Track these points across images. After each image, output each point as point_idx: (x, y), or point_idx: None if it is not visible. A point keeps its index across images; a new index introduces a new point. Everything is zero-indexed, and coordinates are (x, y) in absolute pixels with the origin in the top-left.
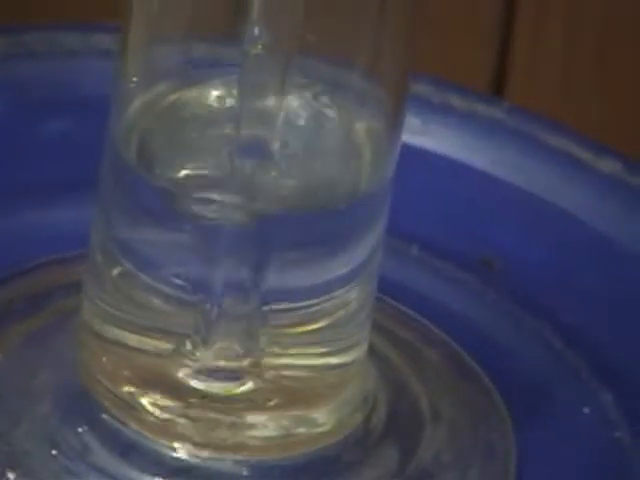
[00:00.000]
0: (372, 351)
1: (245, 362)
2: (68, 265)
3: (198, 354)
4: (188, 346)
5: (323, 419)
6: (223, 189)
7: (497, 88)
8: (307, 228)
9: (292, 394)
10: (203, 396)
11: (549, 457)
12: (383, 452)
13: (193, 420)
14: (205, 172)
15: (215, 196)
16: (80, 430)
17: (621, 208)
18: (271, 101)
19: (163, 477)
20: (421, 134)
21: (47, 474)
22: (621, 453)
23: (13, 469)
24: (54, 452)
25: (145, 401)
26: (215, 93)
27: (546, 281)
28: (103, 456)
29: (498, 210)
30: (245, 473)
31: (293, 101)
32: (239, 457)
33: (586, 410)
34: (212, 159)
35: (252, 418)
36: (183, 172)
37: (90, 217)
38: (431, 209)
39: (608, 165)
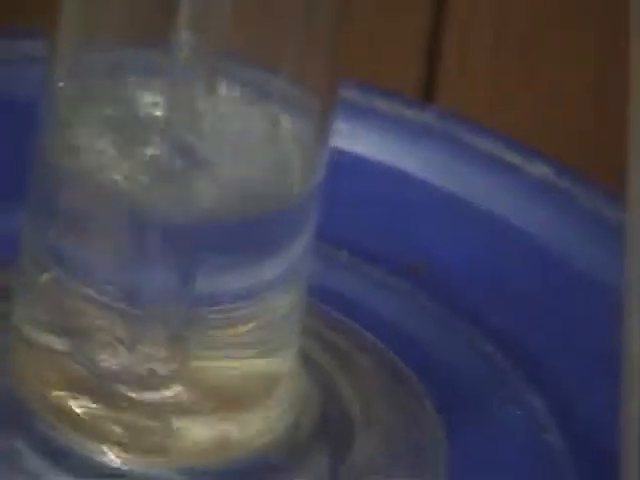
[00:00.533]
0: (302, 355)
1: (172, 366)
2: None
3: (125, 359)
4: (115, 351)
5: (253, 423)
6: (151, 193)
7: (427, 91)
8: (236, 234)
9: (221, 398)
10: (131, 401)
11: (480, 460)
12: (314, 456)
13: (123, 425)
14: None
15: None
16: (10, 435)
17: (550, 212)
18: (199, 106)
19: None
20: (349, 138)
21: None
22: (552, 455)
23: None
24: None
25: (75, 405)
26: (144, 98)
27: (476, 285)
28: (34, 461)
29: (427, 214)
30: (176, 478)
31: (221, 106)
32: (170, 462)
33: (517, 413)
34: (139, 164)
35: (181, 422)
36: (113, 175)
37: (20, 224)
38: (360, 214)
39: (537, 169)
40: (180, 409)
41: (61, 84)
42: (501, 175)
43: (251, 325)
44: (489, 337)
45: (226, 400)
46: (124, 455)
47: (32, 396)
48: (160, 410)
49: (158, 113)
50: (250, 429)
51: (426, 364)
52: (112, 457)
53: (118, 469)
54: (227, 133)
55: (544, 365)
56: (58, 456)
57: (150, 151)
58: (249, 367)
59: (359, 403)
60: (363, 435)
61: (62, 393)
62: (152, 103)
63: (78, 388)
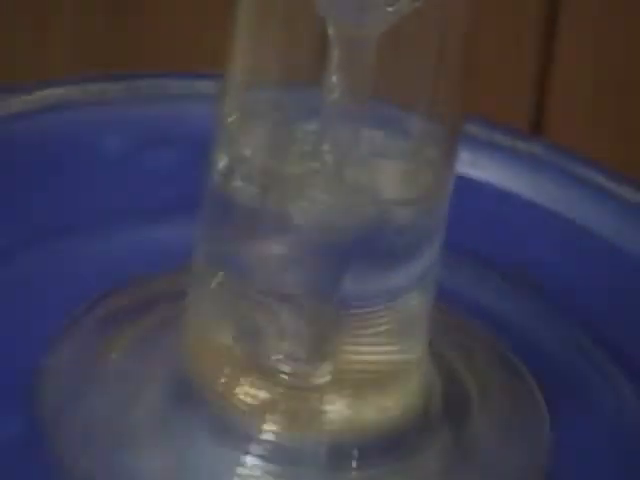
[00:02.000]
0: (430, 349)
1: (322, 356)
2: (174, 276)
3: (283, 349)
4: (275, 343)
5: (391, 405)
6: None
7: (536, 125)
8: (378, 244)
9: (362, 383)
10: (288, 385)
11: (579, 443)
12: (438, 433)
13: (280, 405)
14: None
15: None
16: (183, 413)
17: None
18: (348, 139)
19: (252, 455)
20: (470, 166)
21: (156, 449)
22: None
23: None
24: (156, 425)
25: (238, 390)
26: (301, 131)
27: (589, 299)
28: (203, 436)
29: (539, 232)
30: (323, 451)
31: (365, 137)
32: (319, 438)
33: (621, 410)
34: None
35: (328, 403)
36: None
37: (193, 235)
38: (479, 228)
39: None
40: (328, 392)
41: (230, 119)
42: (603, 200)
43: (388, 322)
44: (601, 346)
45: (366, 385)
46: (279, 430)
47: (202, 381)
48: (313, 394)
49: (314, 139)
50: (385, 410)
51: (537, 362)
52: (269, 433)
53: (273, 444)
54: (369, 161)
55: None
56: (222, 432)
57: (307, 171)
58: (385, 357)
59: (477, 389)
60: (479, 416)
61: (229, 378)
62: (309, 132)
63: (242, 374)
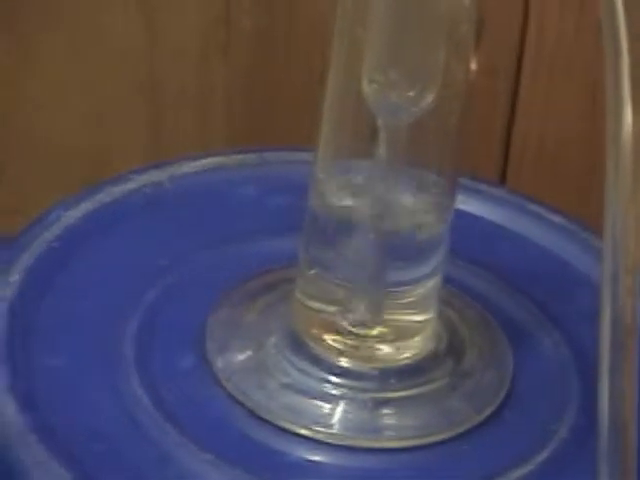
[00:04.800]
0: (440, 312)
1: (376, 319)
2: (284, 270)
3: (352, 316)
4: (351, 311)
5: (415, 347)
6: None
7: (502, 175)
8: (409, 246)
9: (400, 334)
10: (357, 335)
11: (531, 367)
12: (445, 363)
13: (350, 347)
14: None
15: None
16: (291, 355)
17: None
18: (391, 188)
19: (333, 375)
20: (461, 203)
21: (277, 372)
22: None
23: (259, 371)
24: (278, 358)
25: (326, 337)
26: (361, 182)
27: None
28: (305, 364)
29: (500, 239)
30: (376, 373)
31: (402, 188)
32: (373, 365)
33: (555, 345)
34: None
35: (380, 346)
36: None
37: (299, 244)
38: (465, 237)
39: None
40: (379, 339)
41: (320, 175)
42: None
43: (415, 296)
44: (540, 308)
45: (402, 333)
46: (349, 362)
47: (305, 335)
48: (369, 340)
49: (369, 190)
50: (412, 350)
51: (501, 318)
52: (344, 362)
53: (346, 369)
54: (407, 196)
55: None
56: (316, 362)
57: (369, 200)
58: (411, 318)
59: (468, 336)
60: (469, 354)
61: (319, 332)
62: (362, 185)
63: (332, 330)
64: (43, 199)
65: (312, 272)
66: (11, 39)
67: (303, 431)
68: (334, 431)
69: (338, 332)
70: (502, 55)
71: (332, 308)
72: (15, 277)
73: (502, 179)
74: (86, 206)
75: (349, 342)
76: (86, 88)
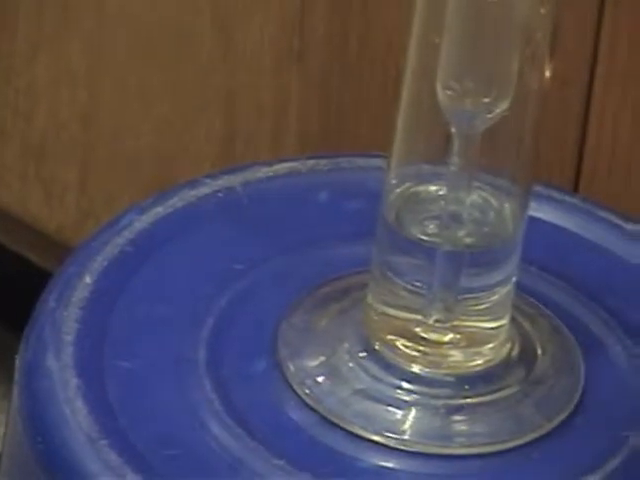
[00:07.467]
0: (512, 319)
1: (448, 325)
2: (357, 276)
3: (425, 322)
4: (422, 316)
5: (488, 353)
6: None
7: (575, 184)
8: (477, 259)
9: (472, 341)
10: (429, 341)
11: (602, 375)
12: (517, 370)
13: (422, 353)
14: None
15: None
16: (363, 361)
17: None
18: (465, 192)
19: (405, 381)
20: (535, 211)
21: (350, 377)
22: None
23: (332, 375)
24: (351, 364)
25: (399, 343)
26: (434, 189)
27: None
28: (377, 370)
29: (573, 247)
30: (448, 379)
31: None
32: (445, 372)
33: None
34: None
35: (452, 352)
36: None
37: (372, 251)
38: (538, 245)
39: None
40: (451, 345)
41: (393, 181)
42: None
43: (488, 303)
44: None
45: (474, 342)
46: (421, 367)
47: (377, 339)
48: (441, 346)
49: (442, 197)
50: (484, 356)
51: (571, 325)
52: (415, 368)
53: (417, 375)
54: (483, 203)
55: None
56: (386, 367)
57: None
58: (484, 324)
59: (540, 343)
60: (540, 361)
61: (393, 337)
62: (439, 192)
63: (405, 336)
64: (117, 203)
65: (384, 279)
66: (93, 48)
67: (375, 437)
68: (406, 437)
69: (411, 338)
70: (575, 65)
71: (405, 314)
72: (88, 280)
73: (575, 188)
74: (159, 211)
75: (422, 348)
76: (164, 96)
